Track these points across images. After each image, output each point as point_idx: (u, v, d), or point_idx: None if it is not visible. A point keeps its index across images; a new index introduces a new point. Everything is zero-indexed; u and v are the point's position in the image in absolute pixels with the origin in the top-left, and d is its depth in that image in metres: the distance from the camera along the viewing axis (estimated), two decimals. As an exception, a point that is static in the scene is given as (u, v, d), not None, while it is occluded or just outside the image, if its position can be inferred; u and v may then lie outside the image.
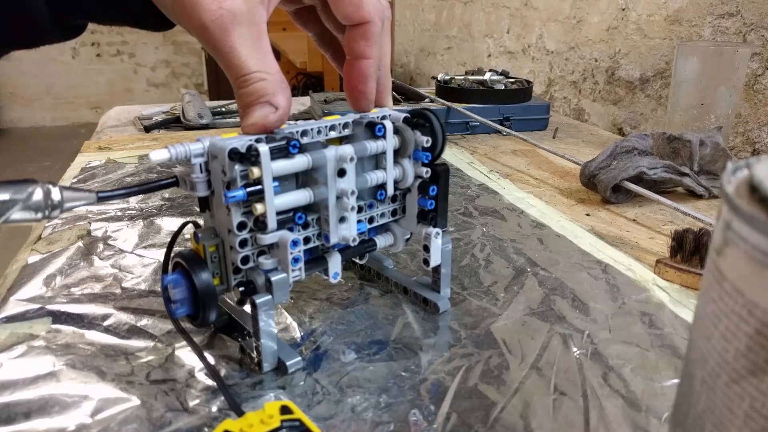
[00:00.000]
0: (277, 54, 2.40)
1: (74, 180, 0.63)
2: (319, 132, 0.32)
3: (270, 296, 0.30)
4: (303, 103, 1.05)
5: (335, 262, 0.33)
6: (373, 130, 0.33)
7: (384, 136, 0.33)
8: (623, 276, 0.42)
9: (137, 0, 0.34)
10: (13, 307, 0.37)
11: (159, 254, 0.45)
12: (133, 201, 0.56)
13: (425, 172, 0.34)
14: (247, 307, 0.30)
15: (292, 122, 0.31)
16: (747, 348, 0.16)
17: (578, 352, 0.33)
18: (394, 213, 0.36)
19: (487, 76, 0.90)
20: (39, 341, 0.34)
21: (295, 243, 0.30)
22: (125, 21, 0.36)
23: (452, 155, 0.74)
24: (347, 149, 0.30)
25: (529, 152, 0.76)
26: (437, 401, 0.29)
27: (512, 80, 0.91)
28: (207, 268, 0.30)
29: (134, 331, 0.35)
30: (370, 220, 0.35)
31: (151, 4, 0.33)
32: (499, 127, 0.79)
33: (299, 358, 0.31)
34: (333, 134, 0.33)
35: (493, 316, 0.37)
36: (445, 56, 1.80)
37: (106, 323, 0.36)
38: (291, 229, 0.31)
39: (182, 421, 0.28)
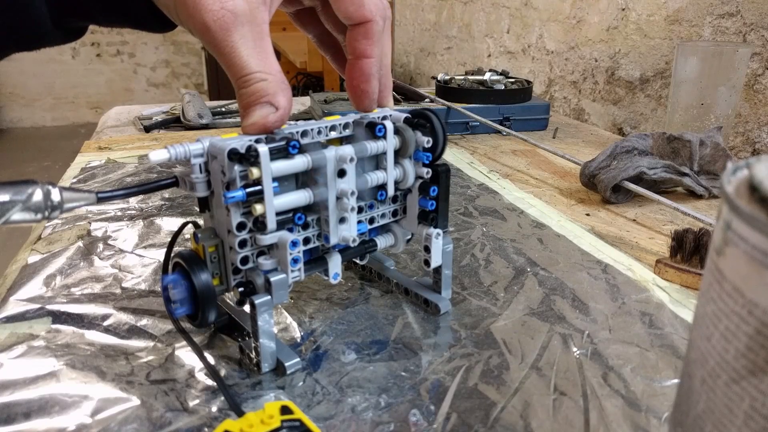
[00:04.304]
0: (277, 54, 2.40)
1: (74, 180, 0.63)
2: (319, 132, 0.32)
3: (269, 297, 0.30)
4: (303, 103, 1.05)
5: (335, 263, 0.33)
6: (373, 130, 0.33)
7: (384, 137, 0.33)
8: (623, 276, 0.42)
9: (139, 1, 0.34)
10: (13, 307, 0.37)
11: (159, 254, 0.45)
12: (133, 201, 0.56)
13: (426, 172, 0.34)
14: (247, 308, 0.30)
15: (292, 122, 0.31)
16: (747, 348, 0.16)
17: (578, 352, 0.33)
18: (394, 213, 0.36)
19: (487, 76, 0.90)
20: (39, 341, 0.34)
21: (294, 244, 0.30)
22: (127, 23, 0.36)
23: (452, 155, 0.74)
24: (347, 150, 0.30)
25: (529, 152, 0.76)
26: (437, 401, 0.29)
27: (512, 80, 0.91)
28: (206, 268, 0.30)
29: (134, 331, 0.35)
30: (371, 220, 0.35)
31: (152, 6, 0.33)
32: (499, 127, 0.79)
33: (298, 359, 0.31)
34: (333, 134, 0.33)
35: (493, 316, 0.37)
36: (445, 56, 1.80)
37: (106, 323, 0.36)
38: (291, 230, 0.31)
39: (182, 421, 0.28)
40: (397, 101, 0.89)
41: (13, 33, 0.34)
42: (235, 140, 0.28)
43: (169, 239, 0.33)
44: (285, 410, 0.26)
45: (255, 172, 0.28)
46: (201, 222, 0.32)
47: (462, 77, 0.92)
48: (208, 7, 0.29)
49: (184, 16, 0.30)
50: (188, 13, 0.30)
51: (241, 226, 0.29)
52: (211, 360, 0.32)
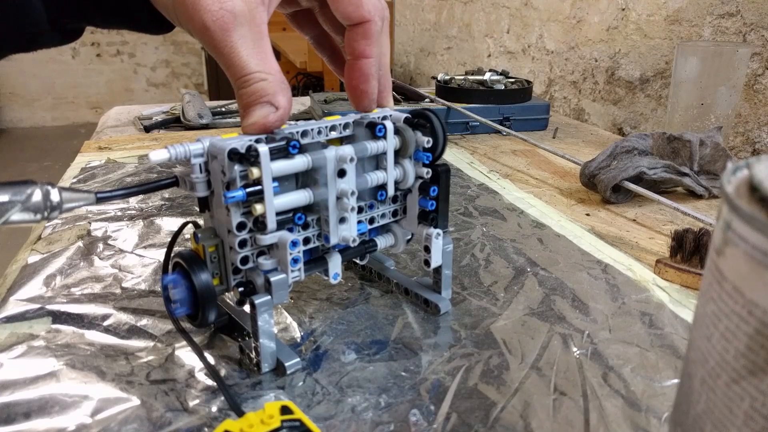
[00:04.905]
0: (277, 54, 2.40)
1: (74, 180, 0.63)
2: (319, 132, 0.32)
3: (269, 297, 0.30)
4: (303, 103, 1.05)
5: (335, 263, 0.33)
6: (373, 130, 0.33)
7: (384, 137, 0.33)
8: (623, 276, 0.42)
9: (136, 3, 0.34)
10: (13, 307, 0.37)
11: (159, 254, 0.45)
12: (133, 201, 0.56)
13: (426, 172, 0.34)
14: (247, 308, 0.30)
15: (292, 122, 0.31)
16: (747, 348, 0.16)
17: (578, 352, 0.33)
18: (394, 213, 0.36)
19: (487, 76, 0.90)
20: (39, 341, 0.34)
21: (294, 244, 0.30)
22: (124, 24, 0.36)
23: (452, 155, 0.74)
24: (347, 150, 0.30)
25: (529, 152, 0.76)
26: (437, 401, 0.29)
27: (512, 80, 0.91)
28: (206, 268, 0.30)
29: (134, 331, 0.35)
30: (371, 220, 0.35)
31: (150, 7, 0.33)
32: (499, 127, 0.79)
33: (298, 359, 0.31)
34: (333, 134, 0.33)
35: (493, 316, 0.37)
36: (445, 56, 1.80)
37: (106, 323, 0.36)
38: (291, 230, 0.31)
39: (182, 421, 0.28)
40: (397, 101, 0.89)
41: (9, 34, 0.34)
42: (235, 140, 0.28)
43: (169, 239, 0.33)
44: (285, 410, 0.26)
45: (255, 171, 0.28)
46: (201, 222, 0.32)
47: (462, 77, 0.92)
48: (207, 7, 0.29)
49: (183, 16, 0.30)
50: (187, 13, 0.30)
51: (241, 226, 0.29)
52: (211, 360, 0.32)
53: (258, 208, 0.29)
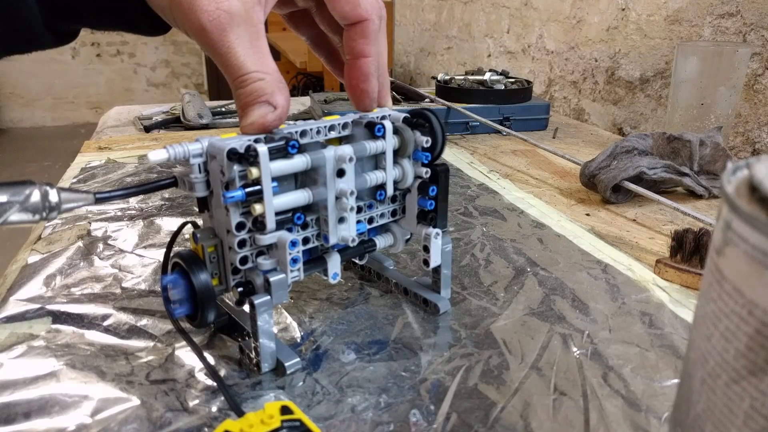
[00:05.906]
0: (277, 54, 2.40)
1: (74, 180, 0.62)
2: (318, 132, 0.32)
3: (268, 297, 0.30)
4: (303, 103, 1.05)
5: (334, 263, 0.33)
6: (372, 130, 0.32)
7: (383, 137, 0.33)
8: (623, 276, 0.42)
9: (132, 4, 0.34)
10: (13, 307, 0.37)
11: (159, 254, 0.45)
12: (133, 201, 0.56)
13: (425, 172, 0.34)
14: (246, 308, 0.30)
15: (291, 122, 0.31)
16: (747, 348, 0.16)
17: (578, 352, 0.33)
18: (393, 213, 0.36)
19: (487, 76, 0.90)
20: (39, 341, 0.34)
21: (293, 243, 0.30)
22: (120, 26, 0.36)
23: (452, 155, 0.74)
24: (346, 149, 0.30)
25: (529, 152, 0.76)
26: (437, 401, 0.29)
27: (512, 80, 0.91)
28: (205, 268, 0.30)
29: (134, 331, 0.35)
30: (370, 220, 0.35)
31: (145, 8, 0.33)
32: (499, 127, 0.79)
33: (298, 359, 0.31)
34: (332, 134, 0.33)
35: (493, 316, 0.37)
36: (445, 56, 1.80)
37: (106, 323, 0.36)
38: (290, 230, 0.31)
39: (182, 421, 0.28)
40: (397, 101, 0.89)
41: (4, 36, 0.34)
42: (234, 140, 0.28)
43: (169, 239, 0.32)
44: (285, 410, 0.26)
45: (254, 171, 0.28)
46: (200, 222, 0.32)
47: (462, 77, 0.92)
48: (204, 7, 0.29)
49: (179, 17, 0.30)
50: (183, 14, 0.30)
51: (240, 226, 0.29)
52: (211, 360, 0.32)
53: (257, 208, 0.28)
